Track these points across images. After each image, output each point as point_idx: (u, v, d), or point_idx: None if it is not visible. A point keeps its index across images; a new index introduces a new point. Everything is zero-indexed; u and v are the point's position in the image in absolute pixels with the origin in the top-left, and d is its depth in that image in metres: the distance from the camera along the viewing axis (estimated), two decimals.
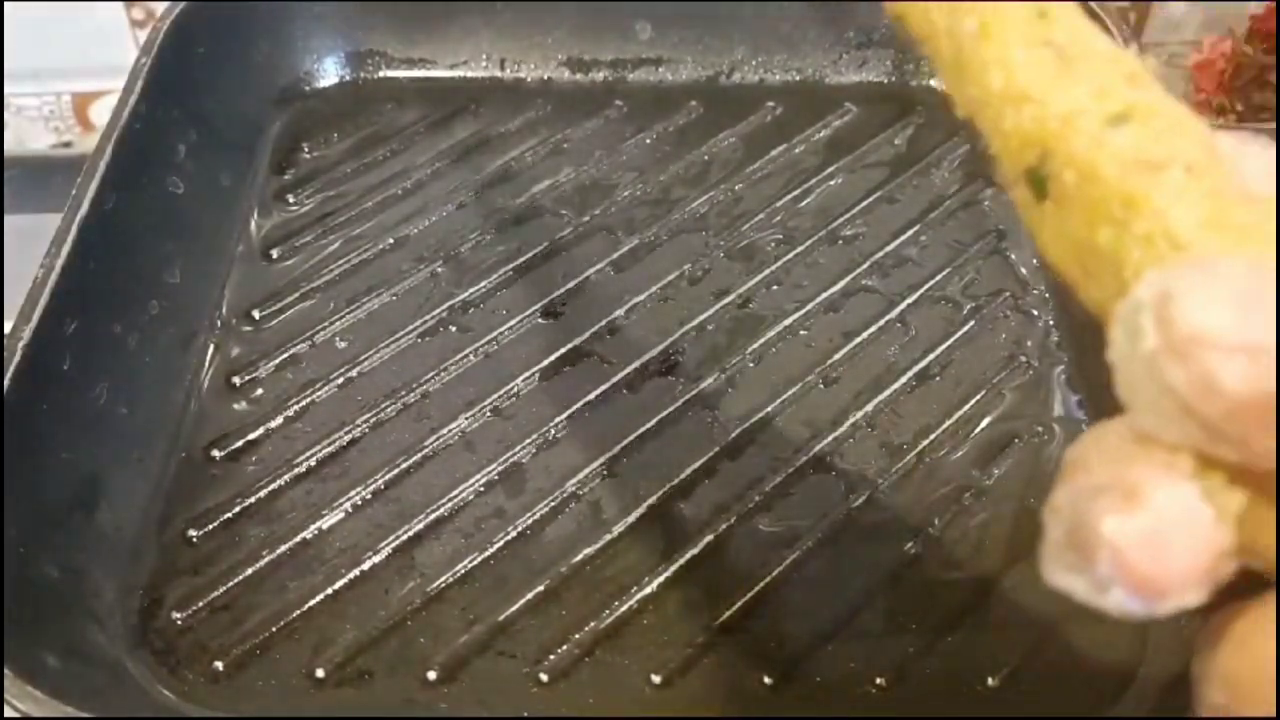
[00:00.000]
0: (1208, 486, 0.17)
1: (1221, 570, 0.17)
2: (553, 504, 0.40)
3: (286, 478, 0.40)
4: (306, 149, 0.54)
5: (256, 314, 0.46)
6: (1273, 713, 0.16)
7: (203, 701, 0.35)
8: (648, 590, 0.37)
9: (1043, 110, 0.20)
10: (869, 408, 0.43)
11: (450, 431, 0.42)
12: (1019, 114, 0.20)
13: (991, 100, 0.21)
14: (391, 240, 0.49)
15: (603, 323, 0.46)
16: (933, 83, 0.57)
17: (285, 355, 0.45)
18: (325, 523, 0.39)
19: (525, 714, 0.35)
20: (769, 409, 0.42)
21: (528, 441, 0.41)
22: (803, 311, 0.46)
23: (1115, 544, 0.17)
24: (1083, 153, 0.19)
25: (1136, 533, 0.16)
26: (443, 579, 0.37)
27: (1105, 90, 0.20)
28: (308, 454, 0.41)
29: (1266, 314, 0.16)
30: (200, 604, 0.37)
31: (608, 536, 0.39)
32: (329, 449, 0.41)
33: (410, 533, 0.39)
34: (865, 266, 0.48)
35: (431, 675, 0.35)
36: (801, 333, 0.46)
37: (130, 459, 0.40)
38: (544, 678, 0.35)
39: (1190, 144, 0.19)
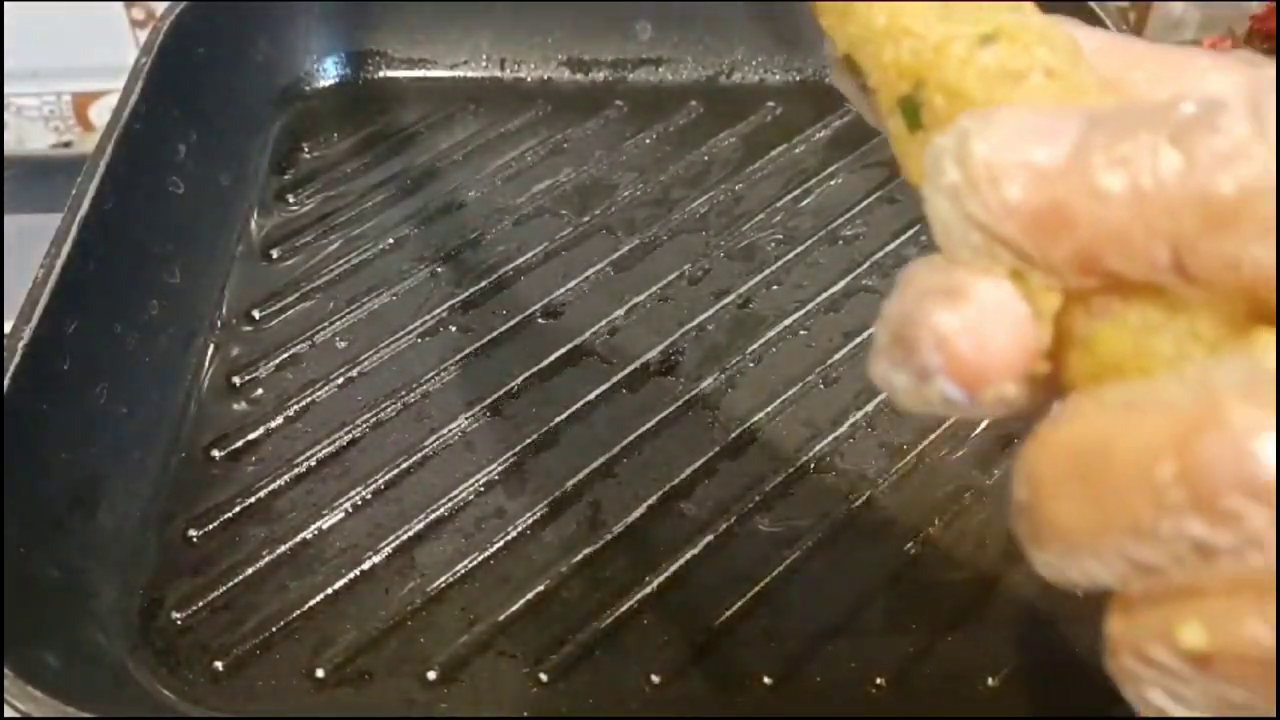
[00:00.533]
0: (1025, 289, 0.18)
1: (1037, 370, 0.19)
2: (553, 504, 0.40)
3: (286, 478, 0.40)
4: (306, 149, 0.54)
5: (256, 314, 0.46)
6: (1056, 478, 0.18)
7: (203, 701, 0.34)
8: (648, 590, 0.37)
9: (920, 42, 0.21)
10: (869, 408, 0.43)
11: (450, 431, 0.42)
12: (898, 47, 0.21)
13: (873, 37, 0.21)
14: (391, 240, 0.49)
15: (603, 323, 0.46)
16: None
17: (285, 355, 0.45)
18: (325, 523, 0.39)
19: (525, 714, 0.35)
20: (769, 409, 0.42)
21: (528, 441, 0.41)
22: (803, 311, 0.46)
23: (939, 332, 0.18)
24: (952, 75, 0.20)
25: (959, 321, 0.18)
26: (443, 579, 0.37)
27: (980, 17, 0.21)
28: (308, 454, 0.41)
29: (1048, 138, 0.18)
30: (200, 604, 0.37)
31: (608, 536, 0.39)
32: (329, 449, 0.41)
33: (410, 533, 0.39)
34: (865, 266, 0.48)
35: (431, 675, 0.35)
36: (801, 333, 0.46)
37: (130, 459, 0.40)
38: (544, 678, 0.35)
39: (1052, 51, 0.20)
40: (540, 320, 0.46)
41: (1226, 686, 0.17)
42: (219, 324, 0.46)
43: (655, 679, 0.35)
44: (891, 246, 0.49)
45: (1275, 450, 0.15)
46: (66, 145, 0.71)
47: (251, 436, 0.42)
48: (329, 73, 0.58)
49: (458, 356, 0.44)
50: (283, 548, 0.38)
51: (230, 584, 0.37)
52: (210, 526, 0.39)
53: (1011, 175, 0.18)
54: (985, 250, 0.18)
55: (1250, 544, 0.16)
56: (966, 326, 0.18)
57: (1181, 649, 0.17)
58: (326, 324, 0.46)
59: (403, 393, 0.43)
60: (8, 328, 0.37)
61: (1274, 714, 0.16)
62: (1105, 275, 0.18)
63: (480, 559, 0.38)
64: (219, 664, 0.35)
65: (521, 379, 0.44)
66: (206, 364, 0.44)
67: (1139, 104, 0.18)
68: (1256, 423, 0.15)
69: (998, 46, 0.20)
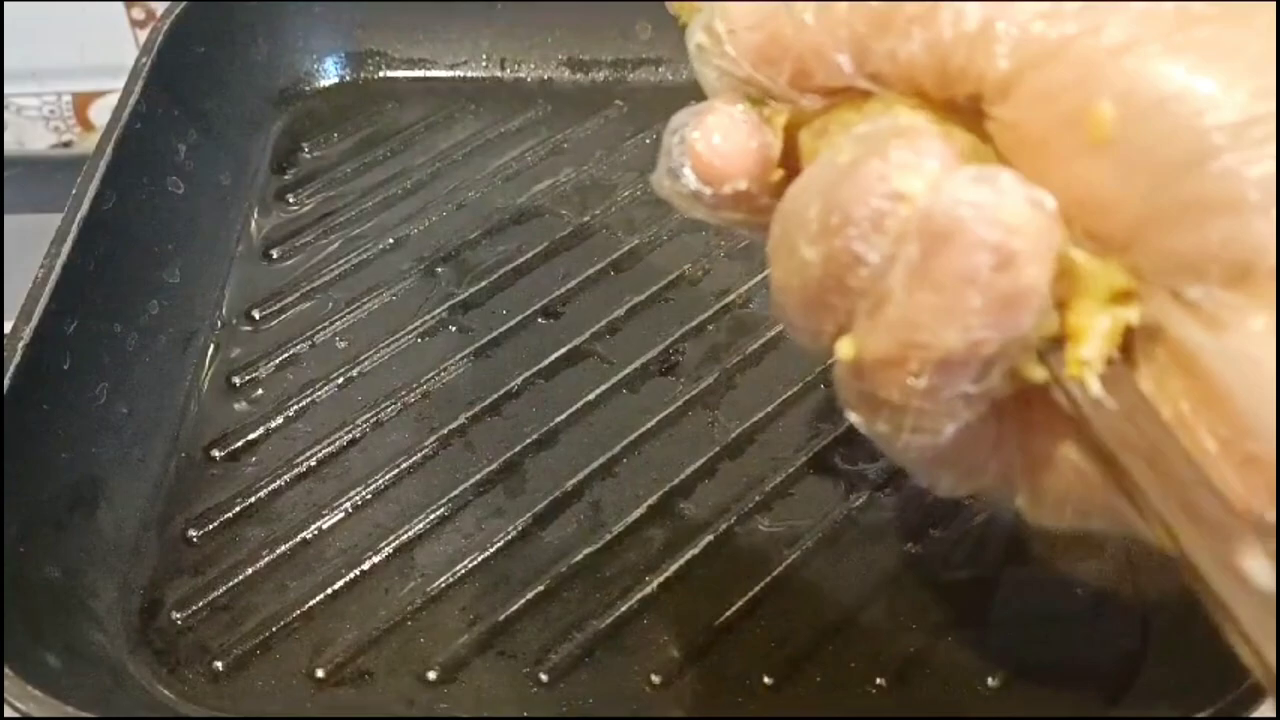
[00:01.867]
0: (760, 110, 0.24)
1: (770, 176, 0.24)
2: (553, 504, 0.40)
3: (286, 478, 0.40)
4: (306, 149, 0.54)
5: (256, 314, 0.46)
6: (775, 248, 0.23)
7: (203, 701, 0.35)
8: (648, 590, 0.37)
9: None
10: None
11: (450, 431, 0.42)
12: None
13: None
14: (391, 240, 0.49)
15: (603, 323, 0.46)
16: None
17: (285, 355, 0.45)
18: (325, 523, 0.39)
19: (525, 714, 0.35)
20: (769, 409, 0.42)
21: (528, 441, 0.41)
22: None
23: (685, 137, 0.24)
24: None
25: (702, 128, 0.24)
26: (443, 579, 0.37)
27: None
28: (308, 454, 0.41)
29: (768, 7, 0.23)
30: (200, 604, 0.37)
31: (608, 536, 0.39)
32: (329, 449, 0.41)
33: (410, 533, 0.39)
34: None
35: (431, 675, 0.35)
36: None
37: (130, 459, 0.40)
38: (544, 678, 0.35)
39: None
40: (540, 320, 0.46)
41: (879, 389, 0.22)
42: (219, 324, 0.46)
43: (655, 679, 0.35)
44: None
45: (872, 176, 0.20)
46: (66, 145, 0.71)
47: (251, 436, 0.42)
48: (329, 73, 0.58)
49: (458, 356, 0.44)
50: (283, 548, 0.38)
51: (230, 584, 0.37)
52: (210, 526, 0.39)
53: (742, 27, 0.23)
54: (735, 90, 0.24)
55: (855, 259, 0.21)
56: (705, 132, 0.24)
57: (845, 362, 0.22)
58: (326, 324, 0.46)
59: (403, 393, 0.43)
60: (8, 327, 0.37)
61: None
62: (818, 90, 0.23)
63: (480, 559, 0.38)
64: (219, 664, 0.35)
65: (521, 379, 0.44)
66: (206, 364, 0.44)
67: None
68: (856, 160, 0.21)
69: None
